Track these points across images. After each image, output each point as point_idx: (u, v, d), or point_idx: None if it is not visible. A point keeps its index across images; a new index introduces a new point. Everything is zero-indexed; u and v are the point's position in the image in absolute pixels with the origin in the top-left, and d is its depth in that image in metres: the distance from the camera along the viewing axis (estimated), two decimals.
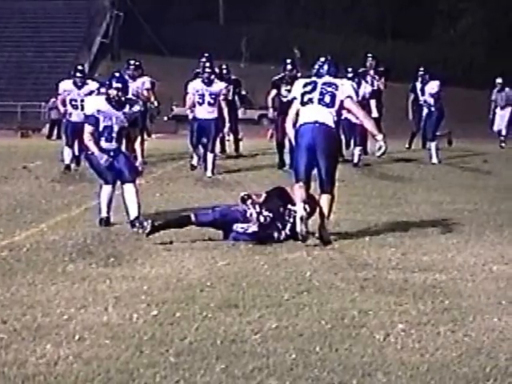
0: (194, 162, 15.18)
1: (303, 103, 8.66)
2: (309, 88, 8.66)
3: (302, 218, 8.10)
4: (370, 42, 47.72)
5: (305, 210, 8.15)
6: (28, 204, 11.17)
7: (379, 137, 8.79)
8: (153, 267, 7.20)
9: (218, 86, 15.14)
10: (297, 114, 8.78)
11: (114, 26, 50.52)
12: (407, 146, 21.30)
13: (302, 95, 8.68)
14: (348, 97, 8.68)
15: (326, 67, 8.81)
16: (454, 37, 53.91)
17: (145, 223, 8.37)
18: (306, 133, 8.50)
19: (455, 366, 4.68)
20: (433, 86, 18.24)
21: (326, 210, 8.46)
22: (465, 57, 51.12)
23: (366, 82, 18.27)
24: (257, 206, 8.45)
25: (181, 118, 19.43)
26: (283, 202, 8.56)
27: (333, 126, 8.56)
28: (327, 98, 8.58)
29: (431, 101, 18.30)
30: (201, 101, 14.93)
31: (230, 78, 18.59)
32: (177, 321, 5.53)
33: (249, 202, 8.52)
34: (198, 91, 14.95)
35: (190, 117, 15.65)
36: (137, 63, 16.64)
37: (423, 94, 18.93)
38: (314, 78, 8.76)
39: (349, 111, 9.23)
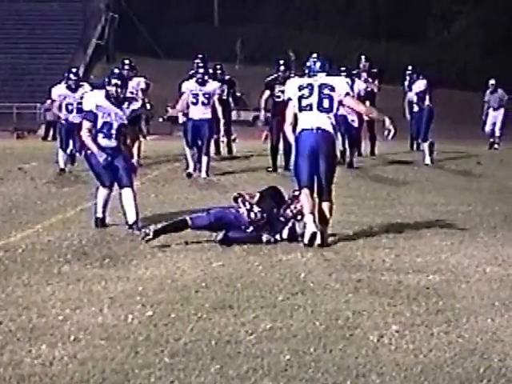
0: (191, 169, 15.06)
1: (301, 109, 8.62)
2: (306, 92, 8.60)
3: (314, 235, 8.15)
4: (364, 43, 47.66)
5: (316, 226, 8.20)
6: (23, 205, 11.17)
7: (387, 121, 8.85)
8: (148, 268, 7.21)
9: (212, 85, 15.14)
10: (294, 117, 8.79)
11: (110, 28, 50.44)
12: (410, 148, 21.27)
13: (299, 100, 8.63)
14: (346, 94, 8.70)
15: (318, 64, 8.80)
16: (448, 39, 53.94)
17: (147, 230, 8.29)
18: (308, 139, 8.47)
19: (449, 367, 4.71)
20: (419, 85, 18.26)
21: (327, 216, 8.50)
22: (459, 59, 51.15)
23: (359, 79, 18.30)
24: (247, 203, 8.49)
25: (176, 119, 19.37)
26: (277, 202, 8.59)
27: (332, 131, 8.59)
28: (326, 103, 8.56)
29: (414, 98, 18.35)
30: (195, 101, 14.92)
31: (224, 78, 18.61)
32: (172, 321, 5.55)
33: (239, 199, 8.56)
34: (191, 91, 14.95)
35: (181, 121, 15.63)
36: (132, 63, 16.66)
37: (410, 91, 19.01)
38: (309, 80, 8.69)
39: (349, 108, 9.24)
